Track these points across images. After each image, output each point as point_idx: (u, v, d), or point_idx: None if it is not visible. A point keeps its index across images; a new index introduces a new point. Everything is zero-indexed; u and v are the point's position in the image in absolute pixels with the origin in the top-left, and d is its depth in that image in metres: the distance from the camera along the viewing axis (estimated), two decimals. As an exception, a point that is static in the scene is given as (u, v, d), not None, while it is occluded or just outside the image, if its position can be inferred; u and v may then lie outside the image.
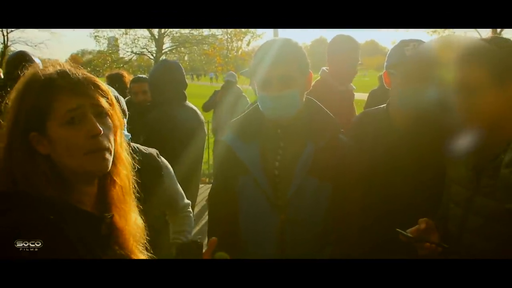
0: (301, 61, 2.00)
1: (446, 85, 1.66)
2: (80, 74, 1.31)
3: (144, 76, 4.81)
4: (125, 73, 5.05)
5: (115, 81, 4.81)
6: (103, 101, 1.31)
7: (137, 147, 2.40)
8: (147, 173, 2.34)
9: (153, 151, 2.46)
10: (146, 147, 2.43)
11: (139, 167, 2.31)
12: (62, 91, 1.25)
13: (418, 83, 1.73)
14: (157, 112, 3.68)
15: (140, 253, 1.43)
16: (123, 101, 2.34)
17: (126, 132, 2.27)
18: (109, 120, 1.34)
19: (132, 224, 1.42)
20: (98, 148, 1.28)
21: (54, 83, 1.25)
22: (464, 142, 1.68)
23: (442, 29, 30.72)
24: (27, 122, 1.23)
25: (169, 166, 2.53)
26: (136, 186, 1.56)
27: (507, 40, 1.73)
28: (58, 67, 1.31)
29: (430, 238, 1.87)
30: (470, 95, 1.63)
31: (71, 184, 1.29)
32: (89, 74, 1.34)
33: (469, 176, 1.88)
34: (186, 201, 2.66)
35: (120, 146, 1.40)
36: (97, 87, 1.32)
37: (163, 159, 2.49)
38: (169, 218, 2.62)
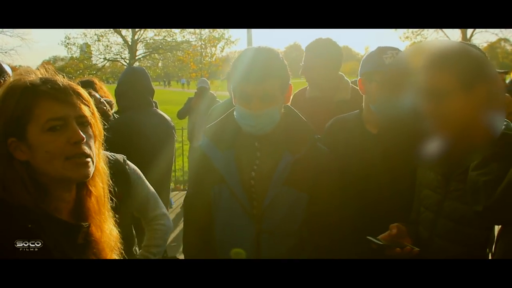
0: (283, 77, 1.95)
1: (421, 92, 1.68)
2: (63, 81, 1.31)
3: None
4: (96, 80, 4.97)
5: (86, 88, 4.71)
6: (86, 110, 1.32)
7: (105, 155, 2.34)
8: (114, 180, 2.29)
9: (120, 157, 2.37)
10: (113, 154, 2.34)
11: (109, 176, 2.27)
12: (44, 97, 1.25)
13: (398, 91, 1.74)
14: (122, 117, 3.63)
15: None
16: (111, 103, 2.29)
17: None
18: (91, 129, 1.34)
19: (108, 235, 1.41)
20: (80, 153, 1.28)
21: (36, 88, 1.25)
22: (433, 147, 1.70)
23: (414, 35, 31.44)
24: (6, 127, 1.22)
25: (138, 172, 2.43)
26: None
27: (475, 46, 1.76)
28: (41, 74, 1.30)
29: (402, 243, 1.89)
30: (438, 101, 1.65)
31: (49, 191, 1.28)
32: (71, 82, 1.34)
33: (439, 180, 1.91)
34: (160, 211, 2.49)
35: (98, 156, 1.39)
36: (80, 95, 1.32)
37: (131, 165, 2.40)
38: (144, 226, 2.56)
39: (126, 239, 2.17)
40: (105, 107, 3.95)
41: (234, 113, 2.01)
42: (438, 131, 1.67)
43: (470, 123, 1.61)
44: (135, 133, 3.53)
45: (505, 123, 1.62)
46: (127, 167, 2.36)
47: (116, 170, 2.28)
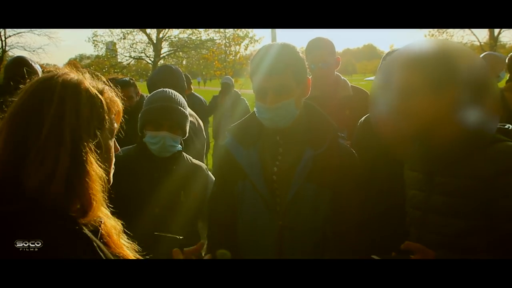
0: (297, 69, 1.94)
1: (396, 90, 1.74)
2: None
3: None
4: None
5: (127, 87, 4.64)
6: None
7: (189, 158, 2.55)
8: (193, 182, 2.49)
9: (203, 165, 2.58)
10: (191, 158, 2.57)
11: (187, 176, 2.46)
12: (118, 105, 1.38)
13: (386, 89, 1.80)
14: None
15: (125, 247, 1.43)
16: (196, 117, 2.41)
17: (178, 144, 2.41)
18: None
19: (109, 221, 1.40)
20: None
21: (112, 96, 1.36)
22: (412, 147, 1.75)
23: (440, 33, 30.92)
24: (87, 131, 1.24)
25: (213, 179, 2.54)
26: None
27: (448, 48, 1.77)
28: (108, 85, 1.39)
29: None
30: (407, 99, 1.70)
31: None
32: None
33: (423, 179, 1.90)
34: None
35: None
36: None
37: (210, 173, 2.57)
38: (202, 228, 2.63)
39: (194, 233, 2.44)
40: None
41: (255, 109, 2.03)
42: (410, 129, 1.73)
43: (437, 122, 1.68)
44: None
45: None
46: (208, 174, 2.59)
47: (198, 175, 2.55)
